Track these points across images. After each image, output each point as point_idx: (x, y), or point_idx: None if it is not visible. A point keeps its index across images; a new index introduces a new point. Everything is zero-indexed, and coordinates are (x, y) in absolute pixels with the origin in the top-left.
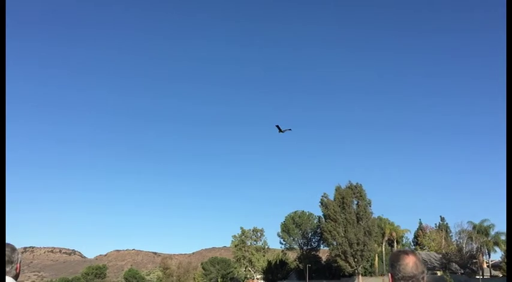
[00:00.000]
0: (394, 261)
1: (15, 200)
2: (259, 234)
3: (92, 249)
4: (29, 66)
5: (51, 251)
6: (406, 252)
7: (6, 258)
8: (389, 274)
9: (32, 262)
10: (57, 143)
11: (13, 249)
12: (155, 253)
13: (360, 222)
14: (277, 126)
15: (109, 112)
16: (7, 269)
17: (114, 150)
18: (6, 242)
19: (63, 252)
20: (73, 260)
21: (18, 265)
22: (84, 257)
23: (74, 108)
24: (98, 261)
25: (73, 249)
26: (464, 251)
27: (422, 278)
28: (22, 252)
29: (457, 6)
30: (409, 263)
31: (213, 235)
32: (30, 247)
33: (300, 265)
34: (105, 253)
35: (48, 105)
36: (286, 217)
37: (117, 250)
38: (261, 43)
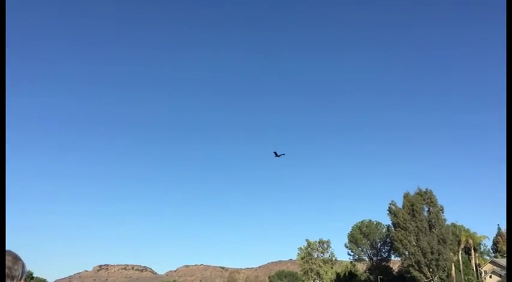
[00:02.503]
0: None
1: (91, 222)
2: (325, 246)
3: (162, 265)
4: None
5: (125, 268)
6: None
7: (6, 271)
8: None
9: (107, 280)
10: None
11: (16, 259)
12: (223, 268)
13: (433, 229)
14: (275, 152)
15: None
16: None
17: (180, 166)
18: (7, 249)
19: (136, 269)
20: (145, 276)
21: None
22: (155, 273)
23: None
24: (168, 277)
25: (144, 266)
26: None
27: None
28: (98, 270)
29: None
30: None
31: (279, 248)
32: (105, 265)
33: (371, 276)
34: (175, 269)
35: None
36: (353, 227)
37: (186, 266)
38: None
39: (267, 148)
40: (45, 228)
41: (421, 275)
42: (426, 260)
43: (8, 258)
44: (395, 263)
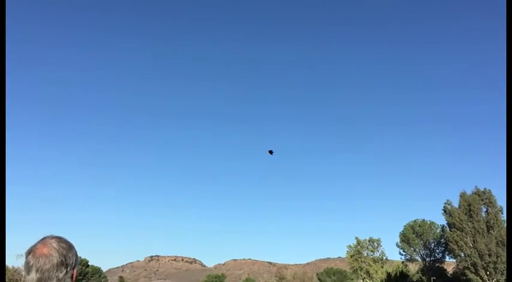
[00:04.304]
0: None
1: (145, 214)
2: (375, 245)
3: (211, 258)
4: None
5: (175, 260)
6: None
7: (60, 259)
8: None
9: (158, 270)
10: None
11: (70, 247)
12: (270, 263)
13: (491, 231)
14: (270, 150)
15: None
16: (60, 275)
17: (232, 163)
18: (60, 236)
19: (185, 261)
20: (194, 268)
21: (74, 272)
22: (204, 266)
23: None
24: (216, 270)
25: (194, 258)
26: None
27: None
28: (149, 261)
29: None
30: None
31: (328, 245)
32: (156, 256)
33: (424, 278)
34: (223, 262)
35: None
36: (405, 226)
37: (235, 259)
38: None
39: (319, 142)
40: (101, 219)
41: (478, 277)
42: (483, 262)
43: (62, 245)
44: (449, 264)
